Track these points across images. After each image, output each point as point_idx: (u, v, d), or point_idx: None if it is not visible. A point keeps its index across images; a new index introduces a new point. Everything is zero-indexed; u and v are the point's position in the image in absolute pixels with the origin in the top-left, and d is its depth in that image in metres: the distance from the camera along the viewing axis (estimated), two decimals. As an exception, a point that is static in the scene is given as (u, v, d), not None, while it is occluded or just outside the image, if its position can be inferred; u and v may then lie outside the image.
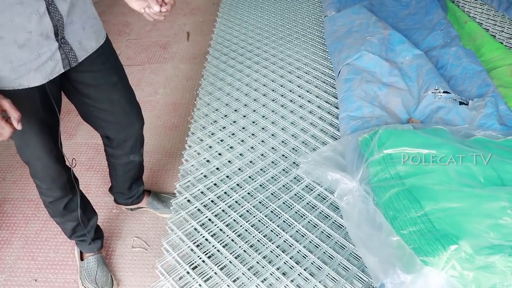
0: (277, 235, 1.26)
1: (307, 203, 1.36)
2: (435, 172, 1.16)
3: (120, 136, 1.46)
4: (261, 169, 1.49)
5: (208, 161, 1.53)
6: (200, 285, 1.13)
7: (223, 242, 1.25)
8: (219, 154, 1.55)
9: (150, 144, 2.19)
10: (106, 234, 1.72)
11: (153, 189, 1.90)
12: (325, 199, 1.37)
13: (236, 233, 1.27)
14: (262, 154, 1.55)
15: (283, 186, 1.43)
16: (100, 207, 1.86)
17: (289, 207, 1.35)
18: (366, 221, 1.14)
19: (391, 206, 1.13)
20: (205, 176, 1.48)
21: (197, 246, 1.24)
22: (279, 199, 1.37)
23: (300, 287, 1.12)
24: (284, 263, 1.19)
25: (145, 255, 1.66)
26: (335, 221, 1.31)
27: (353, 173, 1.32)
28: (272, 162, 1.52)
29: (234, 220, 1.31)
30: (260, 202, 1.37)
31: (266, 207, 1.34)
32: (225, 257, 1.20)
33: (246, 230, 1.28)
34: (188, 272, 1.17)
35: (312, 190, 1.41)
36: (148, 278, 1.58)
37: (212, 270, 1.17)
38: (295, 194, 1.40)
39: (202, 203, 1.36)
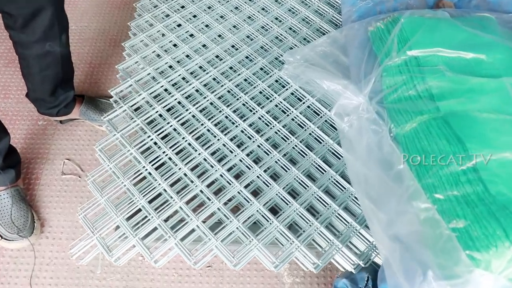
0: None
1: (293, 119, 1.01)
2: (487, 91, 0.80)
3: (24, 11, 1.01)
4: (230, 68, 1.10)
5: (158, 54, 1.12)
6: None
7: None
8: (174, 45, 1.14)
9: (89, 30, 1.72)
10: (28, 156, 1.37)
11: (89, 93, 1.49)
12: (318, 115, 1.02)
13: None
14: (233, 46, 1.15)
15: (260, 93, 1.06)
16: (20, 118, 1.45)
17: (267, 125, 1.00)
18: (377, 163, 0.80)
19: (417, 145, 0.78)
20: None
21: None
22: (254, 113, 1.01)
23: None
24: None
25: (78, 184, 1.31)
26: (331, 148, 0.98)
27: (360, 82, 0.95)
28: (247, 57, 1.12)
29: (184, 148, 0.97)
30: (223, 123, 1.02)
31: (235, 125, 0.99)
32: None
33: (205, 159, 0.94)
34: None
35: (300, 100, 1.05)
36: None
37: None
38: (276, 105, 1.04)
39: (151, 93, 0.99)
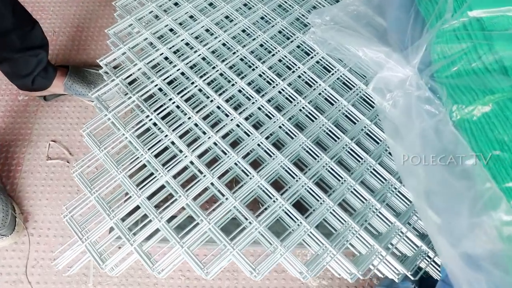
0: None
1: (320, 94, 0.85)
2: None
3: None
4: (243, 31, 0.93)
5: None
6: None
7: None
8: (175, 4, 0.96)
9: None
10: (7, 138, 1.21)
11: (75, 63, 1.31)
12: (350, 89, 0.86)
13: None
14: (245, 4, 0.97)
15: (280, 62, 0.90)
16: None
17: (290, 101, 0.84)
18: (436, 156, 0.64)
19: (488, 134, 0.62)
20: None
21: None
22: (274, 86, 0.85)
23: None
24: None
25: (67, 170, 1.15)
26: (368, 130, 0.82)
27: (405, 50, 0.78)
28: (262, 18, 0.95)
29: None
30: (236, 99, 0.86)
31: (252, 102, 0.83)
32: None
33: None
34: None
35: (328, 70, 0.88)
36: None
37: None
38: (300, 77, 0.88)
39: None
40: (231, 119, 0.81)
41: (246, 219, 0.72)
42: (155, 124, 0.82)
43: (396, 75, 0.77)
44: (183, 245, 0.68)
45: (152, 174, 0.77)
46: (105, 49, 1.36)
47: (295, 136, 0.80)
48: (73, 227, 0.70)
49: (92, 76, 1.24)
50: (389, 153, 0.81)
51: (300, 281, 0.95)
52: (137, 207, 0.74)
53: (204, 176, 0.75)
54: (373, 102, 0.86)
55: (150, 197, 0.74)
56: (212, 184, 0.75)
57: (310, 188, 0.75)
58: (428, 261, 0.72)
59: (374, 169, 0.78)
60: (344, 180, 0.76)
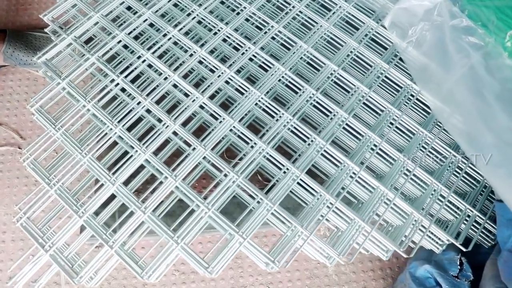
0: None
1: (319, 39, 0.70)
2: None
3: None
4: None
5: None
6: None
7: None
8: None
9: None
10: None
11: (13, 27, 1.10)
12: (356, 29, 0.71)
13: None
14: None
15: (269, 2, 0.74)
16: None
17: (288, 46, 0.69)
18: (496, 100, 0.51)
19: None
20: None
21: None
22: (265, 32, 0.69)
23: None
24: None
25: (18, 158, 0.95)
26: (388, 77, 0.69)
27: None
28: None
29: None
30: (220, 51, 0.70)
31: (241, 53, 0.67)
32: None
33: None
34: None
35: (329, 10, 0.73)
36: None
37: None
38: (294, 18, 0.72)
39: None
40: (219, 75, 0.65)
41: (253, 198, 0.59)
42: (123, 89, 0.66)
43: (420, 3, 0.63)
44: (179, 240, 0.54)
45: (126, 152, 0.62)
46: (49, 3, 1.14)
47: (301, 88, 0.66)
48: (31, 232, 0.55)
49: (38, 40, 1.03)
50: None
51: (316, 260, 0.83)
52: (112, 196, 0.58)
53: (194, 149, 0.60)
54: (387, 44, 0.72)
55: (127, 183, 0.59)
56: (204, 158, 0.60)
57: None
58: (477, 228, 0.61)
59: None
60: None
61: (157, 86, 0.64)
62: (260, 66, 0.71)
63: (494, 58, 0.53)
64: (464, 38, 0.57)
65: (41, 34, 1.03)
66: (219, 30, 0.69)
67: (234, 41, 0.70)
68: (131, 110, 0.63)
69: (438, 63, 0.60)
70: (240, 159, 0.60)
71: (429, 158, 0.66)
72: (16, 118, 1.00)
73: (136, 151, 0.59)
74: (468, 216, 0.62)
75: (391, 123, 0.65)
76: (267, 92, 0.66)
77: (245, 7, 0.72)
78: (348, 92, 0.69)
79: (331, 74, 0.67)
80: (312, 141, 0.62)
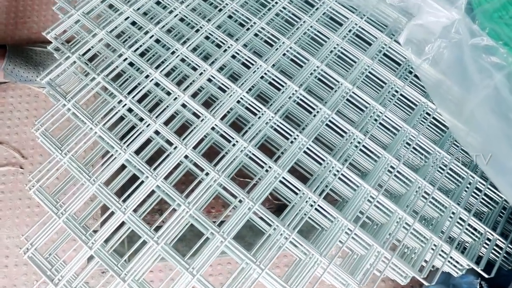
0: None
1: (331, 52, 0.69)
2: None
3: None
4: None
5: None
6: None
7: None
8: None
9: None
10: None
11: (13, 42, 1.08)
12: (368, 44, 0.70)
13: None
14: None
15: (278, 16, 0.72)
16: None
17: (299, 63, 0.67)
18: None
19: None
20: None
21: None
22: (277, 49, 0.68)
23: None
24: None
25: (21, 179, 0.92)
26: (404, 95, 0.67)
27: None
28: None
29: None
30: (229, 67, 0.68)
31: (253, 71, 0.66)
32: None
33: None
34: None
35: (340, 24, 0.72)
36: (31, 221, 0.90)
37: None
38: (305, 33, 0.71)
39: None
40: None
41: (270, 225, 0.57)
42: (130, 110, 0.64)
43: (437, 20, 0.62)
44: (194, 272, 0.52)
45: (133, 180, 0.60)
46: (52, 20, 1.12)
47: (313, 110, 0.64)
48: (39, 264, 0.53)
49: (39, 55, 1.01)
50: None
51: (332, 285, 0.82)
52: (120, 227, 0.57)
53: (207, 174, 0.58)
54: (401, 60, 0.71)
55: (136, 209, 0.57)
56: (214, 181, 0.59)
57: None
58: (499, 252, 0.59)
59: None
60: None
61: (167, 106, 0.63)
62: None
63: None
64: (485, 58, 0.55)
65: (41, 48, 1.01)
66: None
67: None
68: (138, 130, 0.61)
69: (457, 82, 0.59)
70: (254, 183, 0.59)
71: (445, 178, 0.65)
72: (17, 136, 0.98)
73: (146, 175, 0.58)
74: (488, 239, 0.60)
75: (408, 143, 0.64)
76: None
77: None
78: (363, 111, 0.67)
79: (346, 93, 0.66)
80: (327, 163, 0.61)
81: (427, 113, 0.66)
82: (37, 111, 1.01)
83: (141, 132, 0.60)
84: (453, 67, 0.59)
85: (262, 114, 0.62)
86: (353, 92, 0.65)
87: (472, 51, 0.57)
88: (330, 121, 0.63)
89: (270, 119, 0.62)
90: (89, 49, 0.68)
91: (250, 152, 0.60)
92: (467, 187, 0.63)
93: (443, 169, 0.63)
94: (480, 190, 0.63)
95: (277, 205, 0.86)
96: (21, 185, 0.92)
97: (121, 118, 0.65)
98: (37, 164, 0.94)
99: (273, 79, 0.67)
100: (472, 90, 0.55)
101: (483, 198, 0.64)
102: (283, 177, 0.58)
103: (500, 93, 0.52)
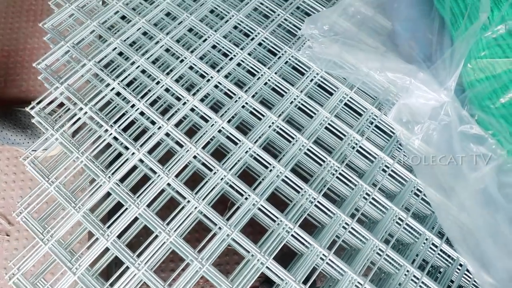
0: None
1: (319, 126, 0.72)
2: None
3: None
4: (213, 47, 0.76)
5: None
6: None
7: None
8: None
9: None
10: None
11: (1, 102, 1.03)
12: (359, 115, 0.72)
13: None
14: (212, 11, 0.81)
15: (265, 85, 0.76)
16: None
17: (289, 140, 0.70)
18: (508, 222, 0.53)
19: None
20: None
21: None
22: (261, 120, 0.71)
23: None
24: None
25: (7, 246, 0.88)
26: (395, 172, 0.70)
27: (429, 66, 0.64)
28: (235, 28, 0.80)
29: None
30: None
31: (247, 139, 0.69)
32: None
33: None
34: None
35: (330, 93, 0.74)
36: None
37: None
38: (292, 102, 0.74)
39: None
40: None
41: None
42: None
43: (426, 102, 0.63)
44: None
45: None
46: (39, 79, 1.08)
47: (301, 190, 0.68)
48: (24, 290, 0.56)
49: (27, 117, 0.96)
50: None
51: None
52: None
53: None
54: (391, 132, 0.72)
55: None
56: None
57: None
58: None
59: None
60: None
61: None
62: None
63: (508, 175, 0.54)
64: (474, 148, 0.57)
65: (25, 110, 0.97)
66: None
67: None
68: (127, 160, 0.64)
69: (448, 172, 0.60)
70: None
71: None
72: (4, 201, 0.95)
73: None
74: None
75: (400, 220, 0.67)
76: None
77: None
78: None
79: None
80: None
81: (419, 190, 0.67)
82: (25, 174, 0.98)
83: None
84: (443, 151, 0.61)
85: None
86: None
87: (461, 139, 0.59)
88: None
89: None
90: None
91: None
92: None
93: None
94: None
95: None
96: (8, 252, 0.88)
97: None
98: (24, 231, 0.92)
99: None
100: (460, 181, 0.57)
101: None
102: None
103: (489, 192, 0.54)
